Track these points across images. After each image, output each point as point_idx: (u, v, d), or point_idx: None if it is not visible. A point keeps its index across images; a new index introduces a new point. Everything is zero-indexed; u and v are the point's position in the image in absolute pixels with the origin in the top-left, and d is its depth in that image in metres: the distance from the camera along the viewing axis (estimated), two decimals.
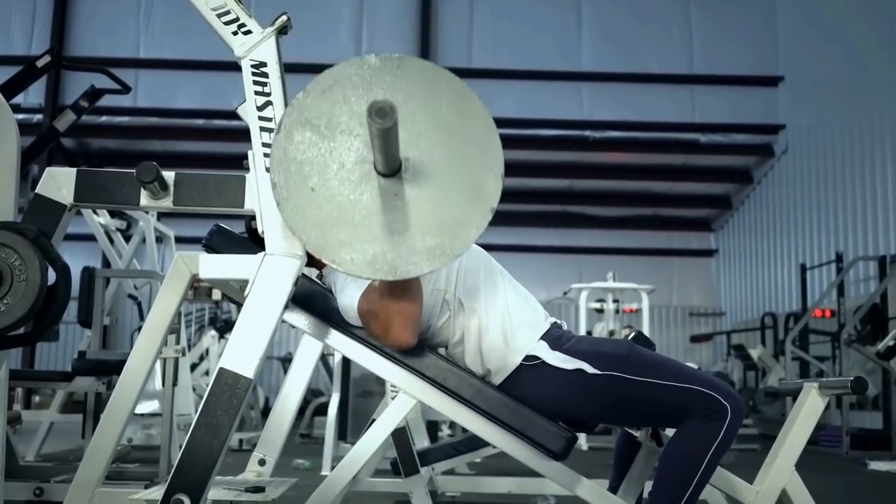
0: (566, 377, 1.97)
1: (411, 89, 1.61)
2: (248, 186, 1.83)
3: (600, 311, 8.93)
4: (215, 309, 9.77)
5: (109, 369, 3.85)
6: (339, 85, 1.62)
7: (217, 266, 1.80)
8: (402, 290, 1.84)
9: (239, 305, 1.99)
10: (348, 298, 1.97)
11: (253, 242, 2.01)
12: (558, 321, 2.14)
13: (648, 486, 2.10)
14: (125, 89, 4.31)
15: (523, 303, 2.10)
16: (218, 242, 2.11)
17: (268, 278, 1.74)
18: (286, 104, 1.80)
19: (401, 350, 1.97)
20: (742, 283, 14.32)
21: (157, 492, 2.02)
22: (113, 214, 6.01)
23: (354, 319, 1.98)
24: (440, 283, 2.04)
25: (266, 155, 1.77)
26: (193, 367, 7.60)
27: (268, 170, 1.75)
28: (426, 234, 1.60)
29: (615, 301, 8.71)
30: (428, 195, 1.61)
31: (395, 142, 1.50)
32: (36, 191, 1.84)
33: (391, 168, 1.57)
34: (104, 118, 11.80)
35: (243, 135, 1.86)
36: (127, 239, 6.20)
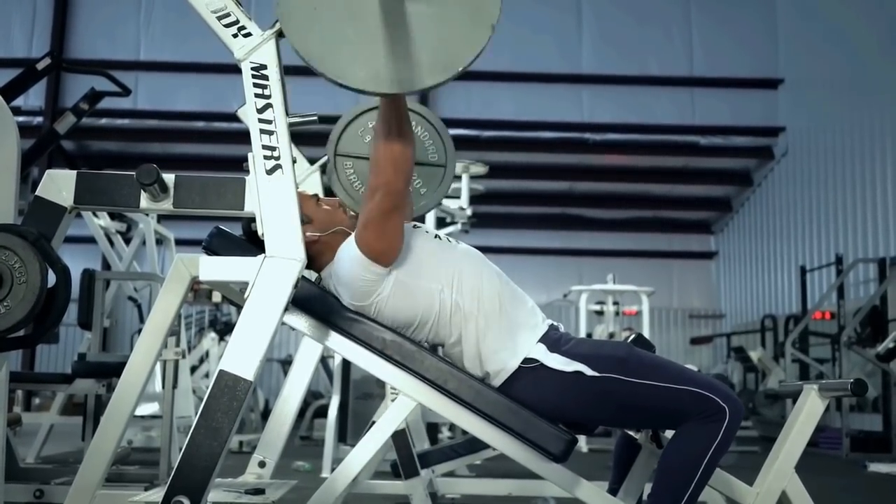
0: (565, 379, 1.97)
1: None
2: (248, 189, 1.83)
3: (600, 313, 8.93)
4: (215, 311, 9.77)
5: (109, 371, 3.86)
6: None
7: (217, 268, 1.80)
8: (398, 129, 1.87)
9: (239, 308, 1.99)
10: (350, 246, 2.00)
11: (253, 245, 2.01)
12: (556, 323, 2.14)
13: (648, 487, 2.10)
14: (125, 92, 4.31)
15: (521, 305, 2.10)
16: (218, 245, 2.11)
17: (268, 280, 1.74)
18: (287, 107, 1.80)
19: (394, 197, 1.94)
20: (742, 286, 14.32)
21: (157, 494, 2.03)
22: (113, 217, 6.01)
23: (361, 234, 1.98)
24: (437, 283, 2.04)
25: (266, 158, 1.77)
26: (193, 369, 7.59)
27: (267, 172, 1.76)
28: (428, 49, 1.63)
29: (615, 303, 8.70)
30: (429, 11, 1.64)
31: None
32: (36, 193, 1.85)
33: None
34: (104, 120, 11.80)
35: (243, 137, 1.87)
36: (127, 241, 6.20)
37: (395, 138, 1.88)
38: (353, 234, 2.02)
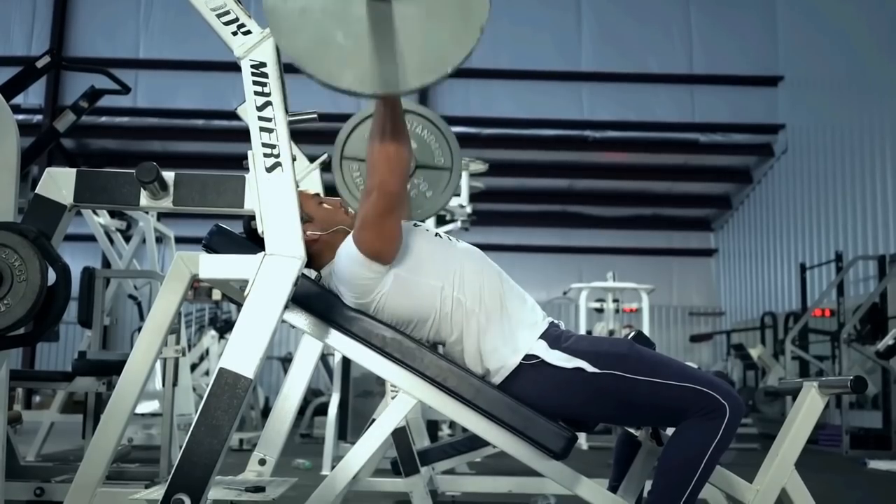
0: (565, 376, 1.97)
1: None
2: (248, 186, 1.83)
3: (600, 310, 8.93)
4: (215, 309, 9.77)
5: (110, 369, 3.86)
6: None
7: (217, 266, 1.80)
8: (393, 129, 1.87)
9: (239, 305, 1.99)
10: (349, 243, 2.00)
11: (253, 242, 2.01)
12: (555, 321, 2.15)
13: (648, 485, 2.10)
14: (125, 90, 4.30)
15: (521, 303, 2.10)
16: (218, 242, 2.11)
17: (268, 278, 1.74)
18: (286, 104, 1.80)
19: (389, 197, 1.94)
20: (742, 283, 14.32)
21: (158, 492, 2.03)
22: (113, 215, 6.01)
23: (359, 231, 1.98)
24: (438, 281, 2.04)
25: (266, 155, 1.77)
26: (193, 367, 7.60)
27: (267, 170, 1.76)
28: (416, 50, 1.63)
29: (615, 301, 8.71)
30: (417, 13, 1.63)
31: None
32: (36, 191, 1.85)
33: None
34: (104, 119, 11.79)
35: (243, 135, 1.87)
36: (127, 239, 6.20)
37: (390, 139, 1.88)
38: (351, 234, 2.02)
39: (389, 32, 1.62)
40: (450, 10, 1.64)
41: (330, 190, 2.51)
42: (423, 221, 2.38)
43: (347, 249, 2.01)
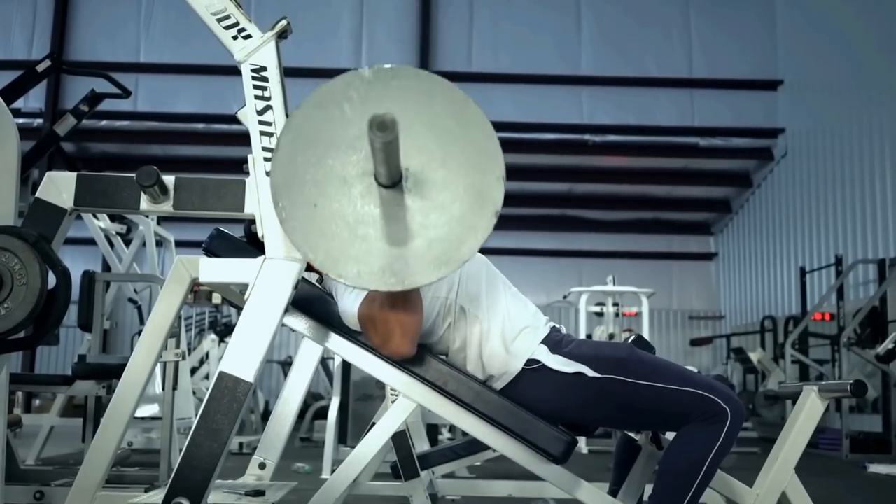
0: (566, 380, 1.97)
1: (408, 100, 1.60)
2: (248, 190, 1.83)
3: (600, 314, 8.94)
4: (215, 313, 9.77)
5: (110, 373, 3.86)
6: (334, 100, 1.61)
7: (217, 270, 1.80)
8: (403, 301, 1.84)
9: (239, 309, 1.99)
10: (348, 304, 1.97)
11: (253, 246, 2.01)
12: (557, 325, 2.15)
13: (648, 489, 2.10)
14: (125, 93, 4.31)
15: (523, 308, 2.10)
16: (218, 246, 2.12)
17: (268, 282, 1.74)
18: (286, 108, 1.81)
19: (398, 356, 1.96)
20: (742, 287, 14.32)
21: (158, 495, 2.03)
22: (113, 218, 6.01)
23: (354, 325, 1.98)
24: (441, 290, 2.04)
25: (267, 159, 1.77)
26: (193, 370, 7.60)
27: (268, 174, 1.75)
28: (432, 242, 1.59)
29: (615, 304, 8.71)
30: (431, 204, 1.60)
31: (397, 153, 1.49)
32: (36, 195, 1.85)
33: (393, 179, 1.56)
34: (104, 122, 11.80)
35: (243, 139, 1.87)
36: (127, 243, 6.20)
37: (402, 308, 1.86)
38: (355, 307, 1.97)
39: (403, 225, 1.58)
40: (464, 199, 1.60)
41: None
42: None
43: (345, 307, 2.00)
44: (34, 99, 11.58)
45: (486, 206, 1.60)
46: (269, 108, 1.79)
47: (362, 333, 1.99)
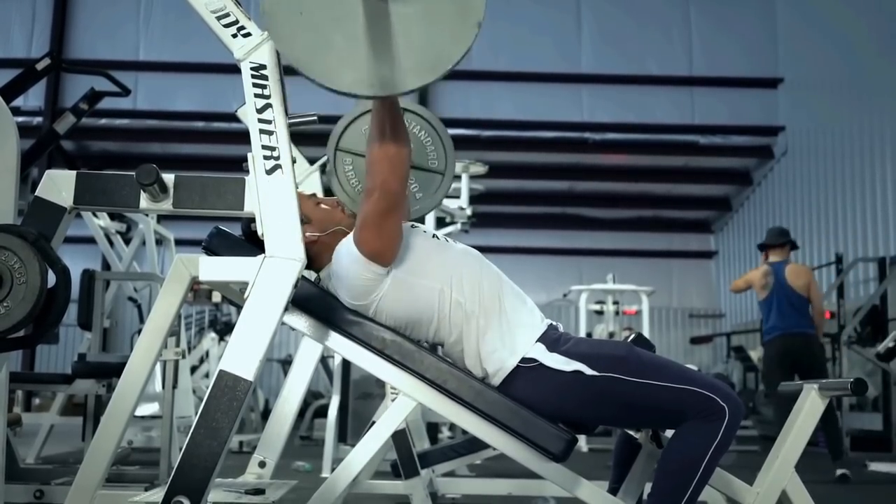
0: (565, 379, 1.97)
1: None
2: (248, 189, 1.83)
3: (600, 312, 8.94)
4: (215, 311, 9.77)
5: (109, 372, 3.86)
6: None
7: (217, 268, 1.80)
8: (392, 131, 1.87)
9: (239, 308, 1.99)
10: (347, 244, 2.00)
11: (252, 245, 2.01)
12: (555, 323, 2.15)
13: (648, 487, 2.10)
14: (125, 92, 4.31)
15: (521, 305, 2.10)
16: (218, 245, 2.11)
17: (268, 280, 1.74)
18: (286, 107, 1.80)
19: (390, 197, 1.93)
20: None
21: (158, 494, 2.03)
22: (113, 217, 6.01)
23: (359, 232, 1.98)
24: (437, 282, 2.04)
25: (266, 158, 1.77)
26: (193, 369, 7.60)
27: (267, 172, 1.75)
28: (413, 50, 1.63)
29: (615, 303, 8.71)
30: (414, 12, 1.63)
31: None
32: (36, 193, 1.85)
33: None
34: (104, 121, 11.79)
35: (243, 137, 1.87)
36: (127, 241, 6.20)
37: (390, 139, 1.88)
38: (350, 234, 2.02)
39: (387, 33, 1.62)
40: (446, 8, 1.64)
41: (329, 191, 2.50)
42: (421, 221, 2.38)
43: (347, 248, 2.01)
44: (34, 97, 11.57)
45: (469, 16, 1.63)
46: (268, 106, 1.78)
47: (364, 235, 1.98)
